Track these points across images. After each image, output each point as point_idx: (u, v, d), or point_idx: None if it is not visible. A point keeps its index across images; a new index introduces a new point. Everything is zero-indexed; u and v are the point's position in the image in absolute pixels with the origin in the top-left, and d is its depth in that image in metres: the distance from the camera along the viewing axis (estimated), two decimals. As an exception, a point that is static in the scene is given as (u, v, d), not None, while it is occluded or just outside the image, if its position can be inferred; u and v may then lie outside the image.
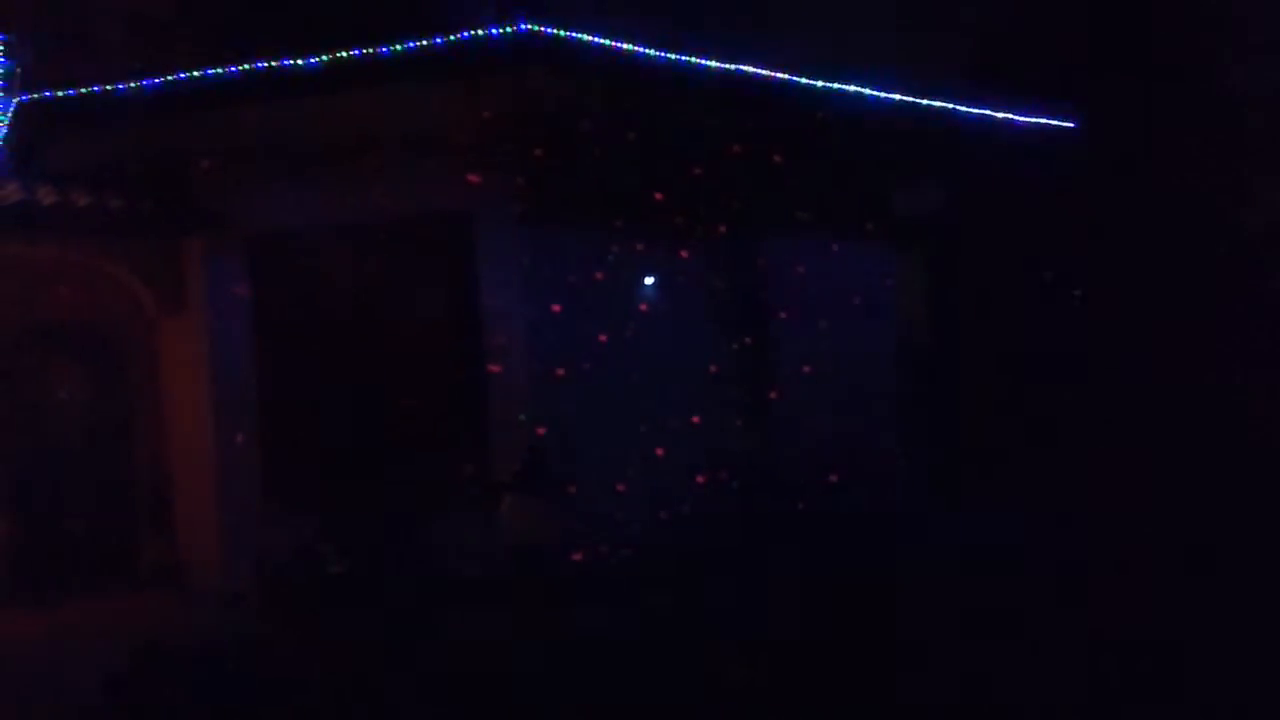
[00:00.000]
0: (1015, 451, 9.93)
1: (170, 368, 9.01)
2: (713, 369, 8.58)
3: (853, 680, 5.28)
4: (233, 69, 7.20)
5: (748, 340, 8.98)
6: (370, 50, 7.10)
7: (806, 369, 9.00)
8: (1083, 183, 10.37)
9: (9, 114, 7.76)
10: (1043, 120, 9.64)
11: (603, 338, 8.01)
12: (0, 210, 7.40)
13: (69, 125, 7.53)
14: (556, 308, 7.92)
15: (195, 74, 7.24)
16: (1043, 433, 10.04)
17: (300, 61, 7.13)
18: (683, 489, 8.06)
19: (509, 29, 6.91)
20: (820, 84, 8.24)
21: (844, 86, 8.36)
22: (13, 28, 8.17)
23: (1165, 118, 10.73)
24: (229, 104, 7.40)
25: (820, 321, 9.12)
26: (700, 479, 8.23)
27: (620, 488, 7.68)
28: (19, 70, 8.01)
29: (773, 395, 9.05)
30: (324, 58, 7.11)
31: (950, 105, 9.08)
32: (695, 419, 8.28)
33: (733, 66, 7.80)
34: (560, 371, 7.80)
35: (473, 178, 7.79)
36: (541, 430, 7.38)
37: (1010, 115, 9.41)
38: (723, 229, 8.82)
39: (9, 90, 7.97)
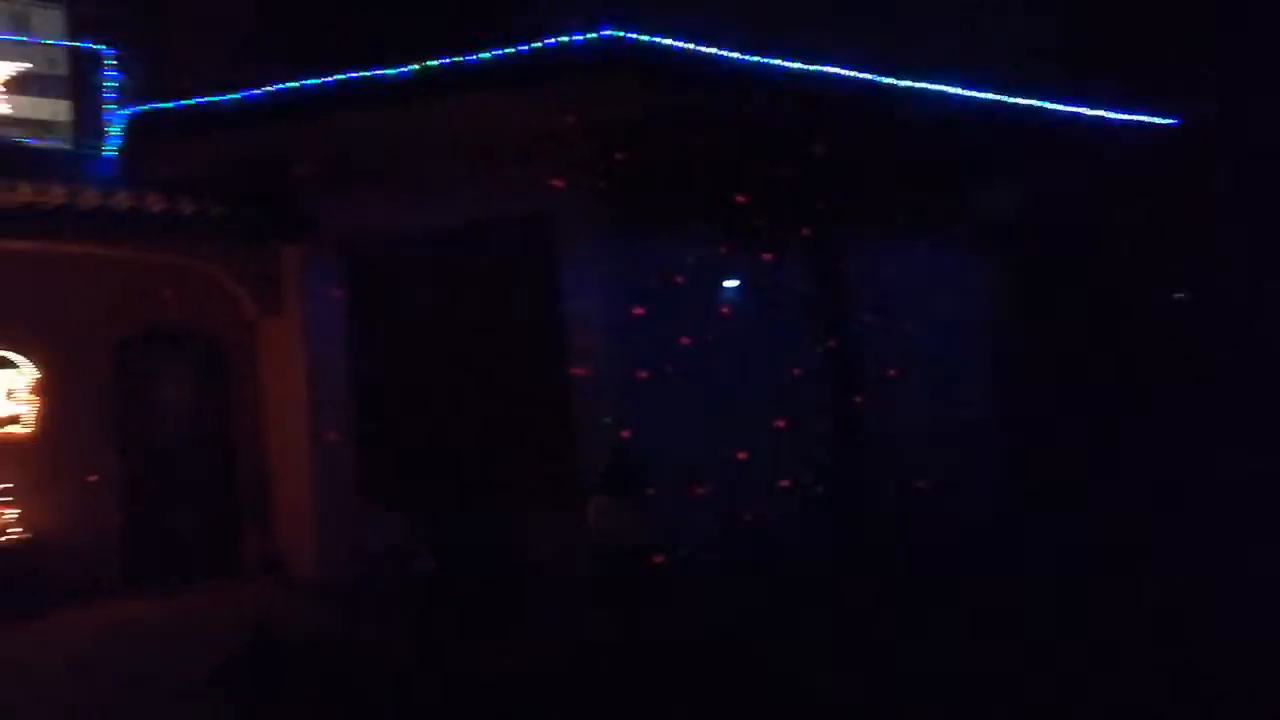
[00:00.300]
0: (1102, 453, 9.69)
1: (268, 368, 9.39)
2: (796, 372, 8.54)
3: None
4: (328, 80, 7.41)
5: (831, 343, 8.92)
6: (458, 59, 7.26)
7: (891, 371, 8.91)
8: (1181, 182, 10.03)
9: (121, 125, 8.12)
10: (1139, 118, 9.32)
11: (685, 340, 8.04)
12: (113, 217, 7.80)
13: (175, 135, 7.80)
14: (639, 310, 7.99)
15: (293, 85, 7.48)
16: (1134, 434, 9.77)
17: (391, 72, 7.32)
18: (766, 492, 8.06)
19: (592, 35, 7.00)
20: (904, 83, 8.13)
21: (929, 85, 8.23)
22: (123, 42, 8.54)
23: (1269, 115, 10.30)
24: (324, 114, 7.61)
25: (905, 323, 9.01)
26: (784, 482, 8.21)
27: (704, 490, 7.72)
28: (129, 83, 8.36)
29: (857, 398, 8.98)
30: (414, 68, 7.29)
31: (1040, 103, 8.83)
32: (779, 422, 8.27)
33: (815, 67, 7.75)
34: (643, 374, 7.87)
35: (556, 182, 7.92)
36: (625, 432, 7.45)
37: (1104, 113, 9.11)
38: (805, 231, 8.77)
39: (120, 102, 8.34)
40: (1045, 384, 10.22)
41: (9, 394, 8.49)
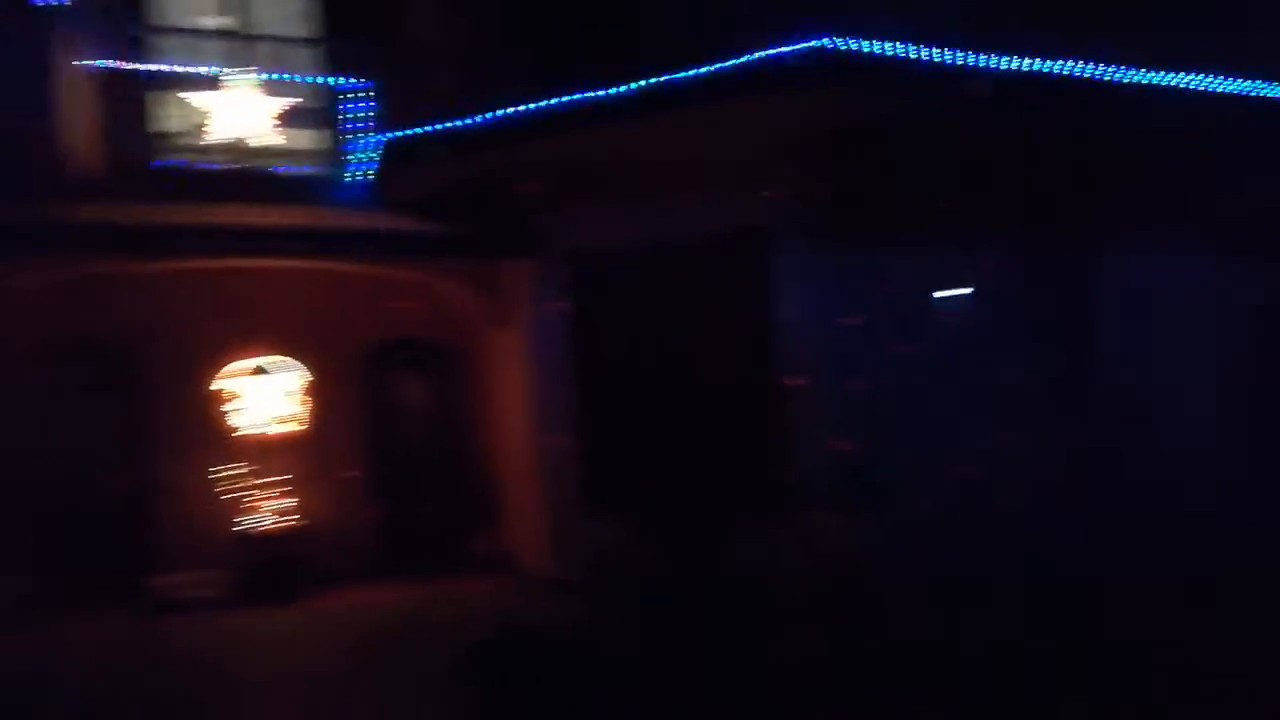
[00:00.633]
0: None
1: (499, 376, 9.94)
2: (1027, 383, 8.17)
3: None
4: (556, 102, 7.81)
5: (1066, 352, 8.46)
6: (677, 76, 7.45)
7: (1131, 381, 8.36)
8: None
9: (373, 152, 8.91)
10: None
11: (904, 351, 7.89)
12: (365, 237, 8.56)
13: (419, 159, 8.35)
14: (855, 320, 7.91)
15: (523, 109, 7.92)
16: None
17: (614, 91, 7.61)
18: (996, 504, 7.77)
19: (805, 45, 7.00)
20: (1144, 79, 7.58)
21: (1171, 81, 7.64)
22: (375, 75, 9.38)
23: None
24: (552, 134, 7.96)
25: (1147, 331, 8.42)
26: (1015, 494, 7.88)
27: (931, 503, 7.54)
28: (380, 112, 9.16)
29: (1093, 407, 8.47)
30: (636, 86, 7.54)
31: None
32: (1007, 433, 7.95)
33: (1043, 65, 7.39)
34: (862, 385, 7.79)
35: (770, 194, 7.97)
36: (848, 444, 7.40)
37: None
38: (1033, 238, 8.38)
39: (372, 131, 9.14)
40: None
41: (282, 396, 9.52)
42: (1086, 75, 7.47)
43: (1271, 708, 5.09)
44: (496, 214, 9.00)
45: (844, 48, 6.93)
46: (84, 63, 8.12)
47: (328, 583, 9.04)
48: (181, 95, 8.91)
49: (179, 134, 9.22)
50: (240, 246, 8.18)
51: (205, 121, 8.88)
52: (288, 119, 9.19)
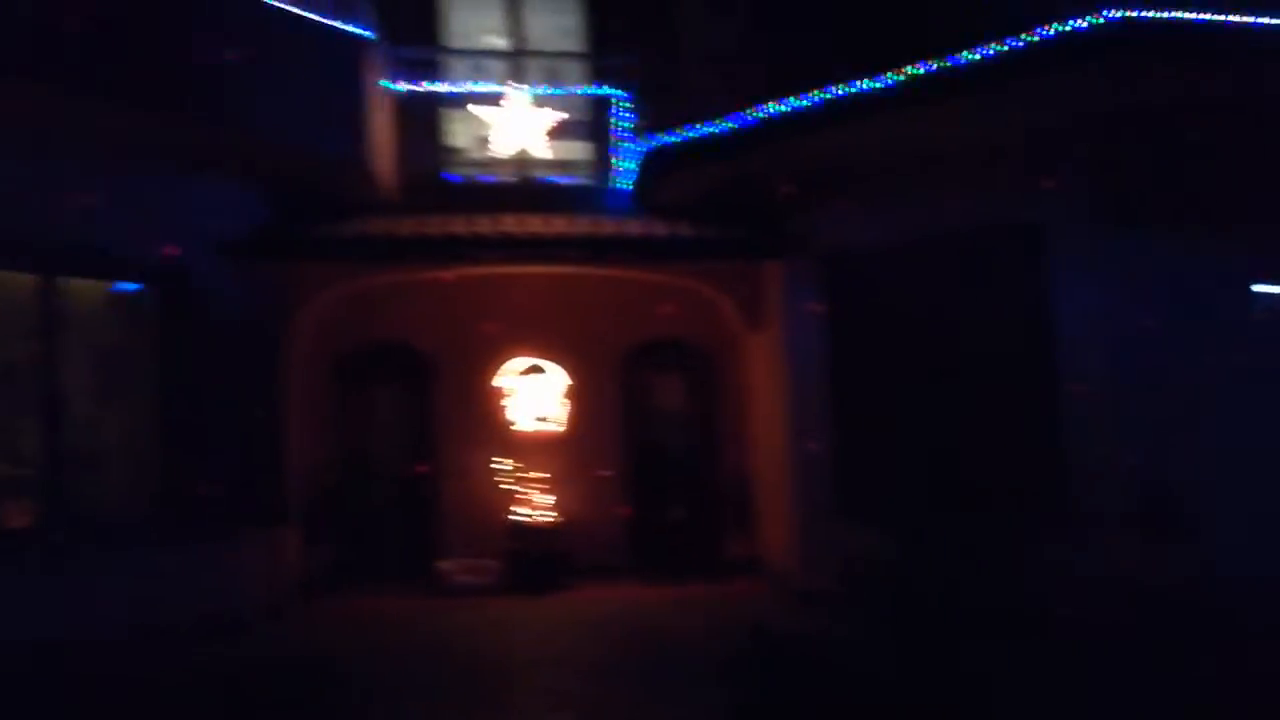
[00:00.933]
0: None
1: (752, 379, 9.90)
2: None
3: None
4: (814, 100, 7.64)
5: None
6: (944, 64, 7.05)
7: None
8: None
9: (633, 160, 9.18)
10: None
11: (1212, 356, 6.98)
12: (627, 243, 8.79)
13: (677, 166, 8.50)
14: (1147, 325, 7.08)
15: (779, 109, 7.83)
16: None
17: (875, 84, 7.31)
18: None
19: (1095, 19, 6.39)
20: None
21: None
22: (635, 85, 9.66)
23: None
24: (810, 132, 7.82)
25: None
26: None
27: (1248, 529, 6.61)
28: (641, 122, 9.42)
29: None
30: (899, 77, 7.21)
31: None
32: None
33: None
34: (1152, 394, 6.97)
35: (1048, 184, 7.35)
36: (1145, 461, 6.63)
37: None
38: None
39: (633, 139, 9.44)
40: None
41: (545, 397, 10.02)
42: None
43: None
44: (755, 216, 8.99)
45: (1147, 18, 6.27)
46: (384, 86, 8.95)
47: (581, 577, 9.39)
48: (467, 112, 9.67)
49: (465, 149, 10.00)
50: (525, 254, 8.67)
51: (488, 136, 9.57)
52: (559, 131, 9.71)
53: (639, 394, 10.29)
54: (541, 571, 9.21)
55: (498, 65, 10.10)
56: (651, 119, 9.23)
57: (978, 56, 6.85)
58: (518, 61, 10.17)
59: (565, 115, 9.67)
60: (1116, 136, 7.18)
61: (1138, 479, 6.21)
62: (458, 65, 9.98)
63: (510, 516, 9.53)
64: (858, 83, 7.32)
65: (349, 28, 7.99)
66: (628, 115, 9.70)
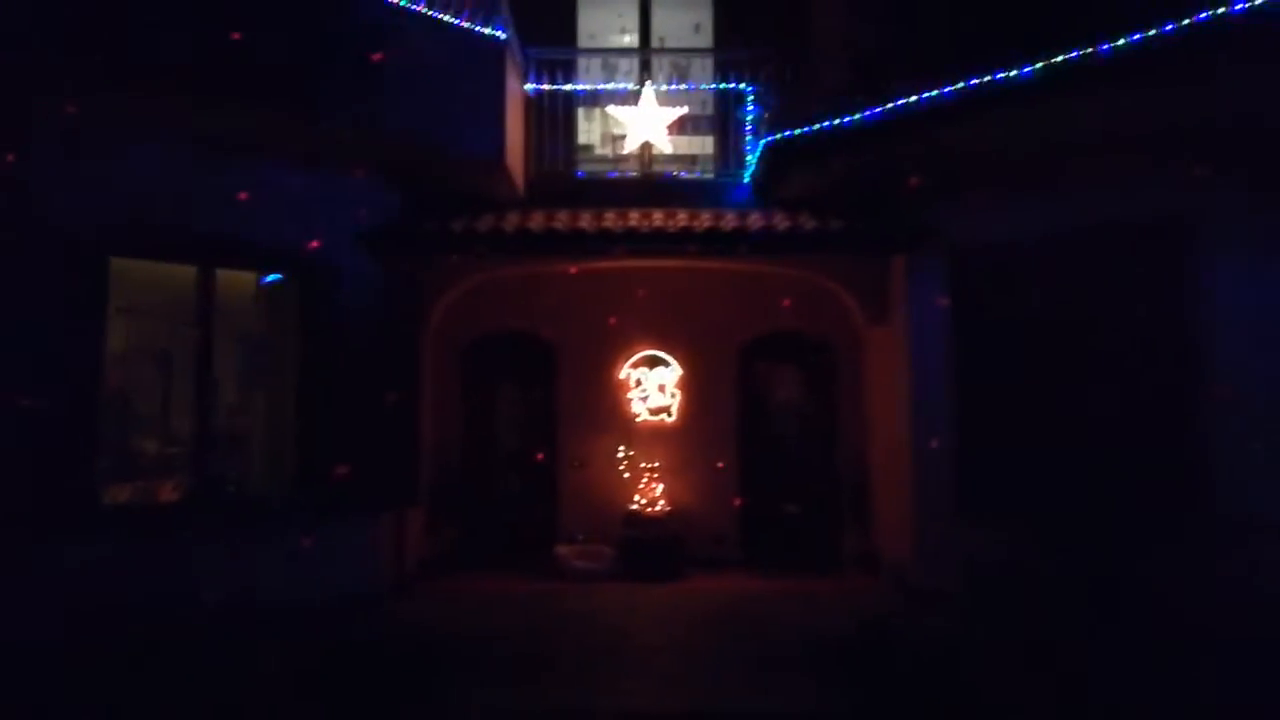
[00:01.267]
0: None
1: (873, 374, 9.79)
2: None
3: None
4: (944, 91, 7.49)
5: None
6: (1088, 52, 6.81)
7: None
8: None
9: (756, 154, 9.16)
10: None
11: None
12: (748, 236, 8.79)
13: (801, 159, 8.49)
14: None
15: (909, 100, 7.69)
16: None
17: (1010, 74, 7.12)
18: None
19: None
20: None
21: None
22: (761, 78, 9.64)
23: None
24: (940, 125, 7.68)
25: None
26: None
27: None
28: (764, 115, 9.39)
29: None
30: (1037, 67, 7.00)
31: None
32: None
33: None
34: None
35: (1196, 179, 7.04)
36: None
37: None
38: None
39: (757, 133, 9.43)
40: None
41: (661, 388, 10.13)
42: None
43: None
44: (877, 209, 8.88)
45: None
46: (517, 86, 9.17)
47: (694, 567, 9.51)
48: (594, 109, 9.82)
49: (591, 145, 10.18)
50: (650, 248, 8.77)
51: (614, 132, 9.71)
52: (684, 125, 9.77)
53: (756, 386, 10.30)
54: (655, 560, 9.33)
55: (626, 62, 10.23)
56: (777, 113, 9.18)
57: (1123, 43, 6.58)
58: (646, 58, 10.27)
59: (689, 110, 9.72)
60: (1277, 122, 6.80)
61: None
62: (587, 63, 10.13)
63: (627, 505, 9.69)
64: (1001, 72, 7.14)
65: (486, 30, 8.20)
66: (754, 109, 9.69)
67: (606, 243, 8.64)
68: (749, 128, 9.63)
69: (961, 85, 7.36)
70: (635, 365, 10.18)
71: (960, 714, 5.25)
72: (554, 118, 9.72)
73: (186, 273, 7.82)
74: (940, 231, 8.58)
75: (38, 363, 6.76)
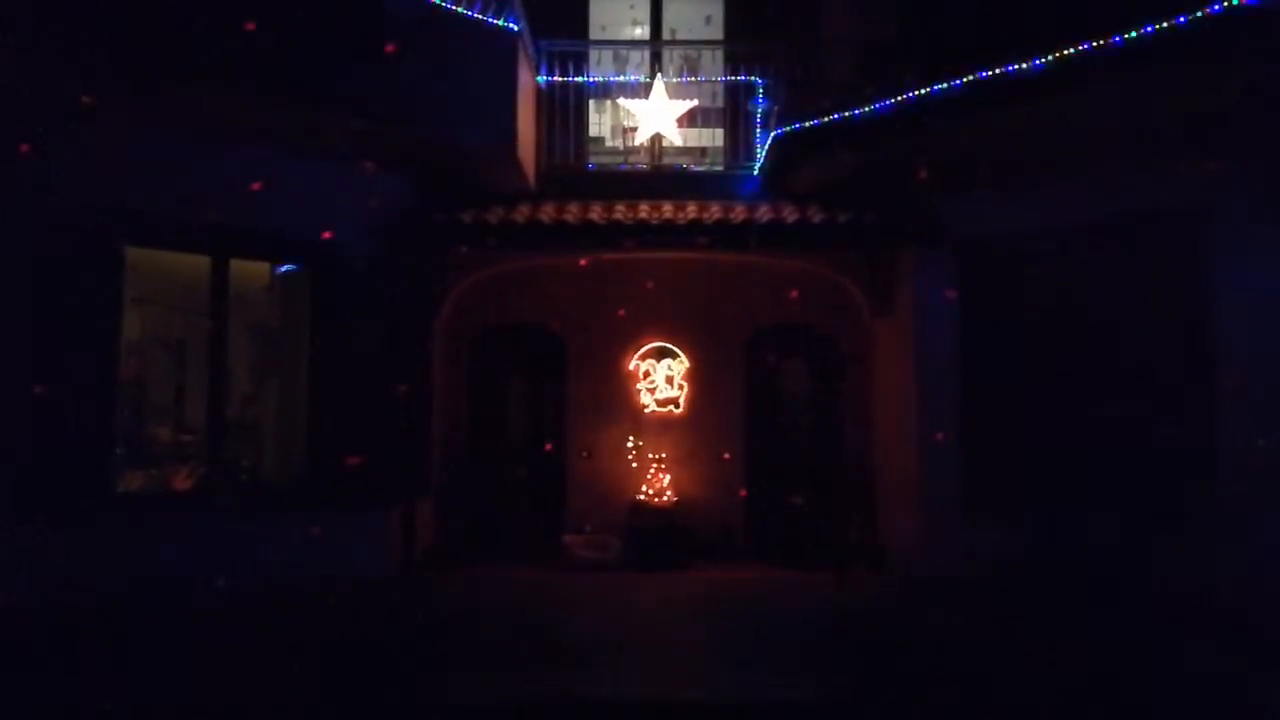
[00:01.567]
0: None
1: (879, 367, 9.82)
2: None
3: None
4: (954, 83, 7.48)
5: None
6: (1100, 43, 6.80)
7: None
8: None
9: (765, 146, 9.17)
10: None
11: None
12: (757, 228, 8.81)
13: (810, 152, 8.49)
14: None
15: (919, 94, 7.69)
16: None
17: (1021, 67, 7.10)
18: None
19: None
20: None
21: None
22: (771, 71, 9.65)
23: None
24: (946, 119, 7.69)
25: None
26: None
27: None
28: (774, 108, 9.40)
29: None
30: (1048, 59, 6.98)
31: None
32: None
33: None
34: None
35: (1212, 169, 7.03)
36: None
37: None
38: None
39: (767, 126, 9.44)
40: None
41: (669, 379, 10.18)
42: None
43: None
44: (884, 202, 8.88)
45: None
46: (529, 78, 9.20)
47: (699, 557, 9.57)
48: (605, 101, 9.84)
49: (601, 137, 10.20)
50: (660, 239, 8.80)
51: (625, 124, 9.73)
52: (694, 117, 9.79)
53: (762, 378, 10.33)
54: (661, 550, 9.39)
55: (637, 55, 10.24)
56: (787, 106, 9.18)
57: (1134, 35, 6.56)
58: (657, 50, 10.29)
59: (700, 102, 9.73)
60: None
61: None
62: (598, 55, 10.15)
63: (634, 495, 9.75)
64: (1012, 65, 7.13)
65: (499, 22, 8.23)
66: (763, 102, 9.70)
67: (617, 235, 8.67)
68: (759, 120, 9.64)
69: (972, 78, 7.36)
70: (644, 357, 10.23)
71: (963, 704, 5.29)
72: (565, 110, 9.75)
73: (201, 263, 7.91)
74: (948, 224, 8.60)
75: (54, 352, 6.85)
